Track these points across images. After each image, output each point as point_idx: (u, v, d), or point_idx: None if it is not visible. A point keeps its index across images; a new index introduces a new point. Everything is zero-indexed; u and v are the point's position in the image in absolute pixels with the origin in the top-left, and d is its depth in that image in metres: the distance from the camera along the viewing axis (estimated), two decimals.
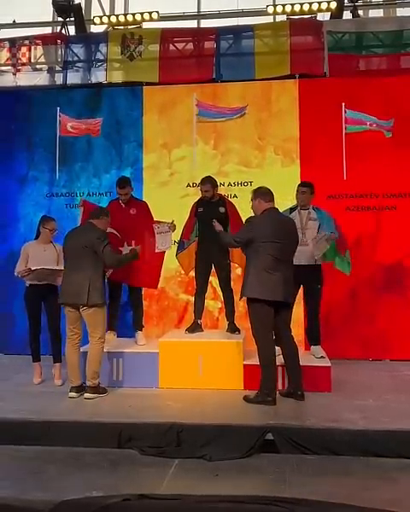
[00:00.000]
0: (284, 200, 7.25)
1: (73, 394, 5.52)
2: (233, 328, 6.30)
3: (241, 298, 5.43)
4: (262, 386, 5.27)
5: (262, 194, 5.49)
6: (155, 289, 6.88)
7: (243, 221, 6.34)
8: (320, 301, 6.11)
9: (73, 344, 5.62)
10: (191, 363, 5.78)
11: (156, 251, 6.19)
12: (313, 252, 5.87)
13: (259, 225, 5.35)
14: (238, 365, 5.77)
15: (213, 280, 6.63)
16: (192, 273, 6.61)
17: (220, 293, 6.58)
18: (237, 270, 7.11)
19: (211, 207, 6.28)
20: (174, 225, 6.27)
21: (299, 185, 6.24)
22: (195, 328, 6.33)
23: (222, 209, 6.28)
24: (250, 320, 5.37)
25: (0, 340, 7.87)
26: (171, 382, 5.79)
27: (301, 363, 5.71)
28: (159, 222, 6.27)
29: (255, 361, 5.78)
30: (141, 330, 6.47)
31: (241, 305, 7.37)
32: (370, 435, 4.44)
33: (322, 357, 5.91)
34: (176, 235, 6.46)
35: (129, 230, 6.25)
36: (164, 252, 6.34)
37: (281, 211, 6.15)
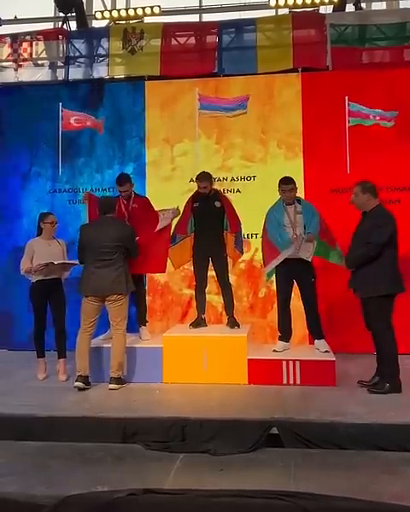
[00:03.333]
0: None
1: (80, 384, 5.53)
2: (233, 323, 6.30)
3: (379, 294, 5.29)
4: (395, 378, 5.29)
5: (372, 189, 5.43)
6: (163, 273, 6.79)
7: (237, 214, 6.35)
8: (316, 294, 6.10)
9: (88, 335, 5.71)
10: (196, 358, 5.78)
11: (156, 230, 6.17)
12: (302, 255, 5.87)
13: (392, 220, 5.36)
14: (242, 360, 5.76)
15: (214, 274, 6.61)
16: (190, 268, 6.60)
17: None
18: (241, 265, 7.12)
19: (207, 202, 6.30)
20: (179, 211, 6.30)
21: (282, 183, 6.06)
22: (199, 323, 6.33)
23: (218, 203, 6.30)
24: (378, 316, 5.33)
25: (4, 335, 7.88)
26: (175, 377, 5.79)
27: (305, 358, 5.74)
28: (164, 210, 6.28)
29: (259, 355, 5.83)
30: (145, 325, 6.47)
31: (244, 301, 7.40)
32: (375, 429, 4.43)
33: (327, 351, 5.90)
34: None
35: (131, 223, 6.24)
36: (169, 236, 6.32)
37: (269, 206, 6.19)
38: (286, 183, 6.05)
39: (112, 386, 5.57)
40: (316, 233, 5.90)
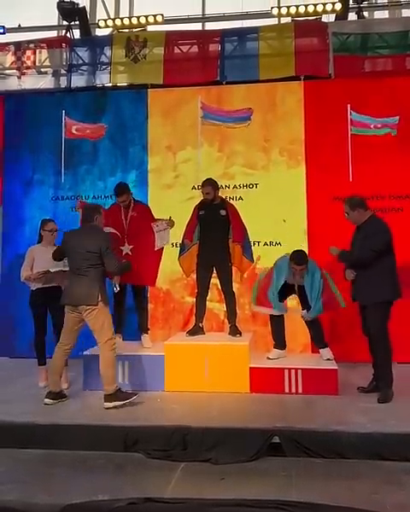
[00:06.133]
0: (290, 202, 7.27)
1: (48, 401, 5.37)
2: (235, 331, 6.29)
3: (376, 301, 5.36)
4: (389, 383, 5.40)
5: (360, 204, 5.53)
6: (153, 286, 6.84)
7: (244, 224, 6.35)
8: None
9: (63, 350, 5.52)
10: (197, 366, 5.76)
11: (156, 248, 6.15)
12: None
13: (387, 228, 5.46)
14: (244, 368, 5.74)
15: (218, 282, 6.60)
16: (194, 276, 6.59)
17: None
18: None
19: (212, 210, 6.30)
20: (173, 221, 6.28)
21: (294, 262, 5.89)
22: (196, 331, 6.31)
23: (223, 212, 6.30)
24: (378, 321, 5.40)
25: (5, 343, 7.86)
26: (177, 385, 5.76)
27: (307, 366, 5.72)
28: (157, 220, 6.28)
29: (261, 364, 5.81)
30: (147, 333, 6.44)
31: (246, 308, 7.38)
32: (377, 438, 4.41)
33: (329, 359, 5.89)
34: (176, 237, 6.47)
35: (129, 231, 6.28)
36: (162, 249, 6.32)
37: (276, 259, 6.23)
38: (298, 263, 5.91)
39: (106, 404, 5.26)
40: (317, 315, 5.98)
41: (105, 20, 9.52)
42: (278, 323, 6.16)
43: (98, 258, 5.41)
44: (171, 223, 6.25)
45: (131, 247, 6.18)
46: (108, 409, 5.23)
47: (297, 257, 5.94)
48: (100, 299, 5.34)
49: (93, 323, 5.39)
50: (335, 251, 5.56)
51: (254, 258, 6.86)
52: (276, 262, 6.18)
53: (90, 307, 5.35)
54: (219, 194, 6.51)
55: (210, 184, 6.29)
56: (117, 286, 5.78)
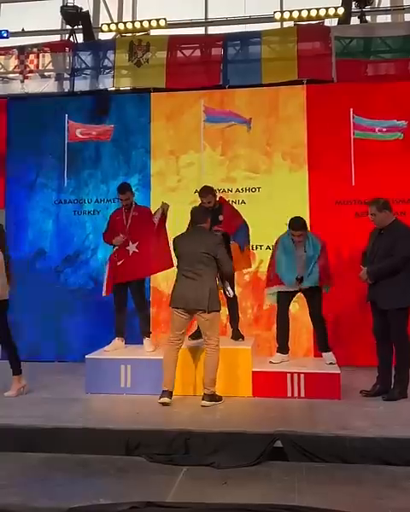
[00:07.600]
0: (292, 206, 7.23)
1: (166, 399, 5.40)
2: (237, 335, 6.28)
3: (402, 306, 5.38)
4: (405, 387, 5.45)
5: (387, 205, 5.53)
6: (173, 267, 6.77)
7: (239, 222, 6.32)
8: (322, 305, 6.08)
9: (175, 348, 5.57)
10: (200, 370, 5.74)
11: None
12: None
13: None
14: (247, 372, 5.73)
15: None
16: None
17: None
18: (245, 277, 7.10)
19: (211, 216, 6.27)
20: (167, 205, 6.25)
21: (291, 228, 5.95)
22: (198, 334, 6.28)
23: (221, 217, 6.27)
24: (401, 327, 5.42)
25: None
26: (179, 389, 5.73)
27: (310, 370, 5.71)
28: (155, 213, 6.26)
29: (264, 368, 5.80)
30: (149, 337, 6.44)
31: (249, 312, 7.38)
32: (380, 443, 4.38)
33: (331, 363, 5.88)
34: None
35: (131, 230, 6.31)
36: (166, 237, 6.23)
37: (277, 237, 6.21)
38: (295, 228, 5.93)
39: (204, 402, 5.35)
40: (311, 284, 5.94)
41: (108, 25, 9.52)
42: (283, 327, 6.13)
43: (211, 260, 5.47)
44: (166, 206, 6.20)
45: (136, 243, 6.19)
46: (203, 406, 5.34)
47: (294, 222, 5.96)
48: (210, 302, 5.41)
49: (204, 326, 5.52)
50: (364, 275, 5.51)
51: (257, 262, 6.85)
52: (277, 239, 6.20)
53: (201, 311, 5.43)
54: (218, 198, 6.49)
55: (210, 192, 6.26)
56: (230, 290, 5.77)
